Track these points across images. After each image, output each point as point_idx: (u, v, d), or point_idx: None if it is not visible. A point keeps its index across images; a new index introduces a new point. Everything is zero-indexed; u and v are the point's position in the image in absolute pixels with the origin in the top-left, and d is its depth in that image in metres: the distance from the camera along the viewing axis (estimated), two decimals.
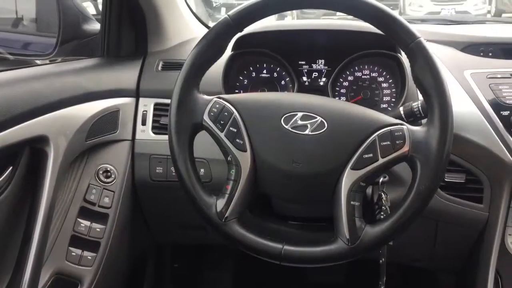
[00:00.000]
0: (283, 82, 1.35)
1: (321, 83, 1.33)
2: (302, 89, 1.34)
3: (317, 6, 0.97)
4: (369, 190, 1.15)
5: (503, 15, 8.38)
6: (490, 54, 1.27)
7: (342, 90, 1.33)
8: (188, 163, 0.95)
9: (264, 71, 1.35)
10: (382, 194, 1.05)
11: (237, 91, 1.35)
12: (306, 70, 1.34)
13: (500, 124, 1.12)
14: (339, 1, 0.93)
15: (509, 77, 1.17)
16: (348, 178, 0.89)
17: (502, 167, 1.11)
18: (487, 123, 1.13)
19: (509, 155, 1.11)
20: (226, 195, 0.94)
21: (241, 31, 0.98)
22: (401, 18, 0.91)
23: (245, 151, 0.93)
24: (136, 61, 1.40)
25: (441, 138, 0.86)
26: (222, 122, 0.94)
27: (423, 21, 1.77)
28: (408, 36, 0.89)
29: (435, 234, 1.26)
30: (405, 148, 0.88)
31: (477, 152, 1.14)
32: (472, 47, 1.28)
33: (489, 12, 8.74)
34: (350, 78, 1.32)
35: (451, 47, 1.29)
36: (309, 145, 0.91)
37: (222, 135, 0.94)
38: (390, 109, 1.27)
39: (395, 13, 0.92)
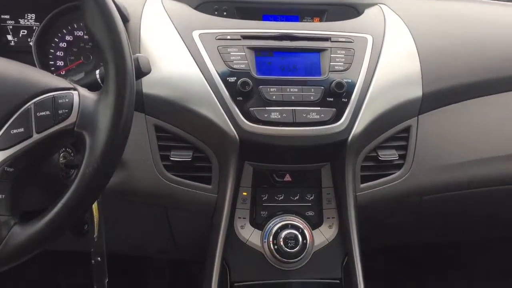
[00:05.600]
0: None
1: (31, 44, 1.07)
2: (6, 50, 1.06)
3: None
4: None
5: None
6: (225, 13, 1.11)
7: (59, 53, 1.09)
8: None
9: None
10: None
11: None
12: (11, 27, 1.07)
13: (226, 92, 0.96)
14: None
15: (239, 39, 1.01)
16: None
17: (227, 141, 0.96)
18: (211, 92, 0.96)
19: (232, 128, 0.95)
20: None
21: None
22: None
23: None
24: None
25: (115, 108, 0.69)
26: None
27: None
28: None
29: (168, 223, 1.08)
30: (71, 120, 0.69)
31: (203, 125, 0.98)
32: (207, 5, 1.11)
33: None
34: (68, 37, 1.08)
35: (185, 4, 1.10)
36: None
37: None
38: None
39: None
